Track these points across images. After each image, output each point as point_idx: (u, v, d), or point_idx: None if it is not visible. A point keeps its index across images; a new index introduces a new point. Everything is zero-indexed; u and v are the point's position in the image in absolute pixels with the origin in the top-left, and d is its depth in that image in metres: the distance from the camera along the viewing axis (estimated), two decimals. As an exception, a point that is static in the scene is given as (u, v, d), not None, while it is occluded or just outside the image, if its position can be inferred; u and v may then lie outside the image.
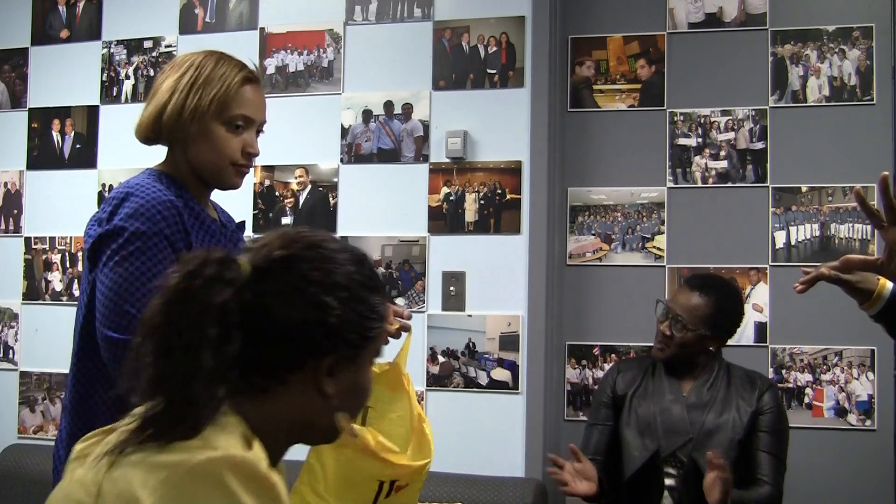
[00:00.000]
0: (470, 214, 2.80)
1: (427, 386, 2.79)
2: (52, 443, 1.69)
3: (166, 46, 3.12)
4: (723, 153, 2.79)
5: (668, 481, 2.27)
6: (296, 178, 2.96)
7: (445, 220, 2.82)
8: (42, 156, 3.23)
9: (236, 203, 3.00)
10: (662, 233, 2.81)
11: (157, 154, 1.66)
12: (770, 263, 2.73)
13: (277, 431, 0.98)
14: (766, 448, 2.25)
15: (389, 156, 2.88)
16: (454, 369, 2.78)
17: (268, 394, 0.97)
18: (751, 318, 2.71)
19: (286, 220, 2.95)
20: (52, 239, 3.18)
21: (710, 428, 2.24)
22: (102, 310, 1.48)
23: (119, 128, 3.13)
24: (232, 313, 0.93)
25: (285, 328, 0.96)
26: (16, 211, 3.24)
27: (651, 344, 2.41)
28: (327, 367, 0.99)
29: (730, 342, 2.43)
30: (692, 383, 2.33)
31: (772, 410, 2.28)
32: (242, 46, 3.02)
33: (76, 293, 3.12)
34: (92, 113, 3.18)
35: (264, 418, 0.96)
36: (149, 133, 1.61)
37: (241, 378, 0.95)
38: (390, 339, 1.56)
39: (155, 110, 1.58)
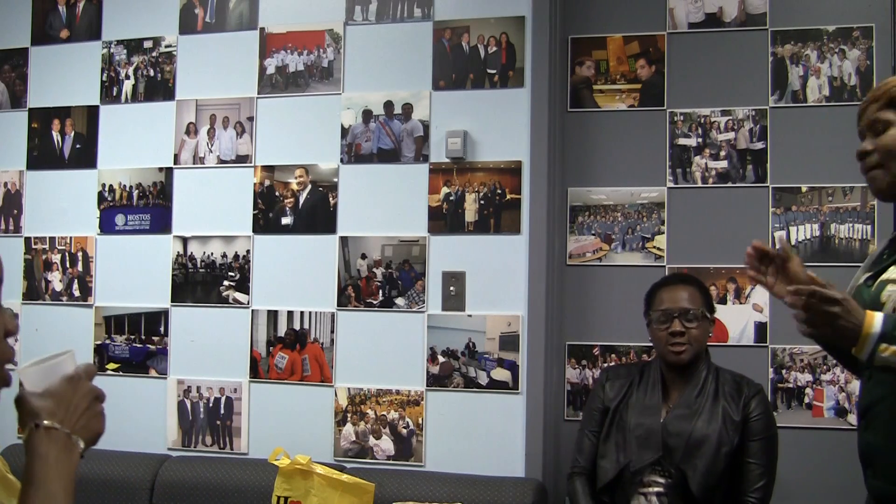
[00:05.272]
0: (470, 214, 2.80)
1: (427, 386, 2.79)
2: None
3: (166, 46, 3.12)
4: (723, 153, 2.79)
5: (657, 489, 2.25)
6: (296, 178, 2.96)
7: (445, 220, 2.82)
8: (42, 156, 3.23)
9: (236, 203, 3.01)
10: (662, 233, 2.81)
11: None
12: (770, 263, 2.72)
13: None
14: (754, 458, 2.24)
15: (389, 156, 2.88)
16: (454, 369, 2.78)
17: None
18: (751, 318, 2.71)
19: (286, 220, 2.95)
20: (52, 239, 3.18)
21: (698, 437, 2.22)
22: None
23: (119, 128, 3.13)
24: None
25: None
26: (16, 211, 3.24)
27: (646, 344, 2.41)
28: None
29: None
30: (681, 391, 2.31)
31: (759, 418, 2.26)
32: (242, 46, 3.04)
33: (76, 293, 3.13)
34: (92, 113, 3.17)
35: None
36: None
37: None
38: None
39: None
